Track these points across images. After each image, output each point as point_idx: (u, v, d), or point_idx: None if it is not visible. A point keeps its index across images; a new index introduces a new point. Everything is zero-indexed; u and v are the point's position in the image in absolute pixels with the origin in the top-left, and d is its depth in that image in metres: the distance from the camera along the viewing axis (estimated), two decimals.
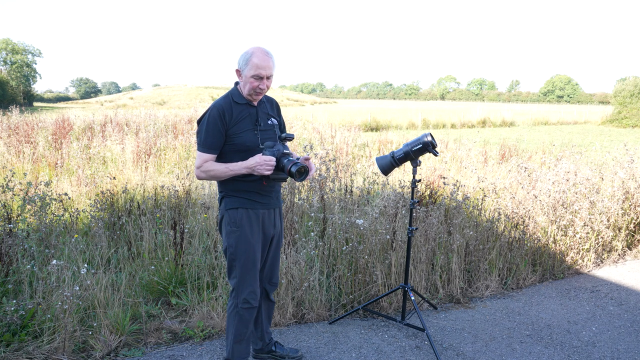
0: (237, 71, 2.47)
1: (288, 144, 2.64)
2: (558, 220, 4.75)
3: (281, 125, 2.68)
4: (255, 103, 2.53)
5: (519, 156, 9.32)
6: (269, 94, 2.61)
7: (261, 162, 2.38)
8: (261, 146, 2.48)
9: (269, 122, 2.57)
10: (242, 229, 2.48)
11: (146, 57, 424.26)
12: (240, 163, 2.42)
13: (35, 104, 59.54)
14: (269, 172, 2.40)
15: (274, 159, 2.40)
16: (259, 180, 2.48)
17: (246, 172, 2.42)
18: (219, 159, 2.47)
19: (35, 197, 4.00)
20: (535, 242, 4.56)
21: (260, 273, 2.68)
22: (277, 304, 3.38)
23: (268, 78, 2.43)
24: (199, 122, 2.49)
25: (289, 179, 2.74)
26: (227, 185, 2.50)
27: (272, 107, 2.67)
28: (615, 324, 3.57)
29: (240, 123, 2.45)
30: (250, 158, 2.41)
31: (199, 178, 2.49)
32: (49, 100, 78.10)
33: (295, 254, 3.65)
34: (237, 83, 2.55)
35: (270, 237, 2.64)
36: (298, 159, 2.47)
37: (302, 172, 2.41)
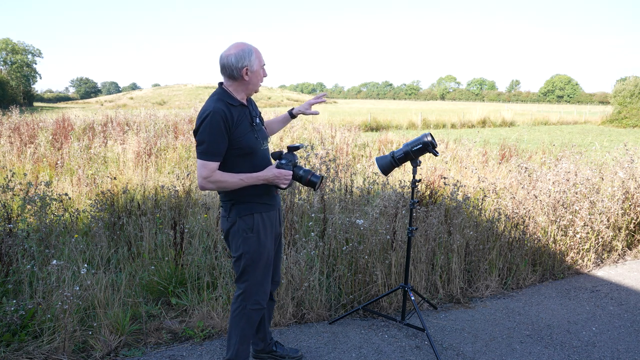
0: (245, 70, 2.36)
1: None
2: (558, 220, 4.75)
3: (261, 120, 2.65)
4: (246, 102, 2.48)
5: (519, 156, 9.33)
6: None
7: (280, 177, 2.40)
8: (262, 147, 2.47)
9: (257, 120, 2.54)
10: (258, 233, 2.46)
11: (146, 57, 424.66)
12: (255, 175, 2.38)
13: (35, 104, 59.63)
14: (285, 186, 2.46)
15: (292, 173, 2.46)
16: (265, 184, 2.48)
17: (261, 183, 2.41)
18: (221, 166, 2.36)
19: (36, 197, 4.00)
20: (535, 242, 4.56)
21: None
22: (277, 304, 3.38)
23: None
24: (195, 132, 2.34)
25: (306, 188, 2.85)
26: (237, 192, 2.42)
27: (253, 105, 2.61)
28: (615, 324, 3.57)
29: (240, 126, 2.37)
30: (266, 170, 2.40)
31: (205, 189, 2.32)
32: (49, 100, 78.20)
33: (295, 254, 3.65)
34: (221, 84, 2.44)
35: (276, 236, 2.65)
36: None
37: (322, 182, 2.55)
